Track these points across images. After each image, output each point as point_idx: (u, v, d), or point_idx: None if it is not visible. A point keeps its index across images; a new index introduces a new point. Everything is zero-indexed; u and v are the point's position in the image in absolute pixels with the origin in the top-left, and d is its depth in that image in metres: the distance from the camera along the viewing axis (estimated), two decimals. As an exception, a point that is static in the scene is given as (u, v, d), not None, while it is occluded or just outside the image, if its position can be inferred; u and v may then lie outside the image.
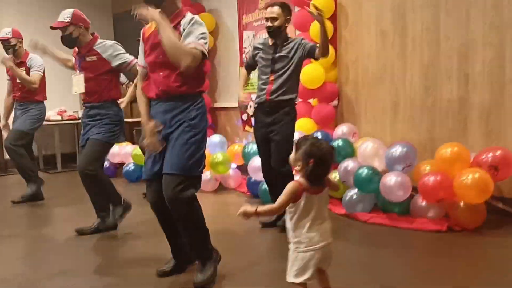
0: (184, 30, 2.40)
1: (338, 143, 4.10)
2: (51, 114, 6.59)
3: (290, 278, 1.86)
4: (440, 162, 3.52)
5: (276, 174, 3.57)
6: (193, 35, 2.37)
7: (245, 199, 4.66)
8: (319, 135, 4.31)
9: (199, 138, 2.46)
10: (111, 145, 3.53)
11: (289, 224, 1.89)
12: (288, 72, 3.47)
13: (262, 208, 1.80)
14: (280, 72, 3.47)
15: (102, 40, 3.47)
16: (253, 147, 4.77)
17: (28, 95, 4.66)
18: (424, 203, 3.53)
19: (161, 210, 2.55)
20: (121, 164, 5.99)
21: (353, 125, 4.43)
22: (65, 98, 6.59)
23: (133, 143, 6.12)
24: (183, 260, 2.69)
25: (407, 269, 2.73)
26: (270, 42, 3.55)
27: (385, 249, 3.08)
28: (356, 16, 4.53)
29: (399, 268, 2.75)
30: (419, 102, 4.11)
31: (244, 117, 5.99)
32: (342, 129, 4.34)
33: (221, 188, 5.09)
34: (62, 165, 6.85)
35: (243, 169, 5.17)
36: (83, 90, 3.41)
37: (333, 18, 4.62)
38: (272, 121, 3.49)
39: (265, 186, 4.08)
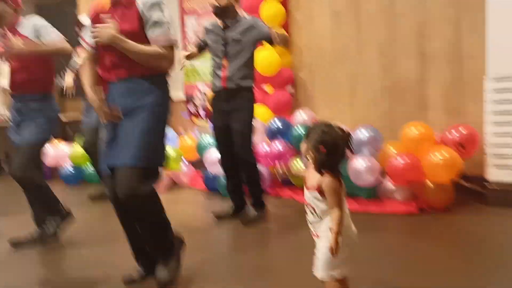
0: (143, 9, 2.15)
1: (298, 130, 3.92)
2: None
3: (326, 272, 1.65)
4: (406, 142, 3.45)
5: (241, 167, 3.37)
6: (161, 25, 2.17)
7: (203, 196, 4.36)
8: (277, 122, 4.12)
9: (160, 126, 2.22)
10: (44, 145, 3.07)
11: (313, 218, 1.68)
12: (242, 57, 3.25)
13: (334, 226, 1.58)
14: (233, 56, 3.25)
15: (24, 18, 2.99)
16: (209, 139, 4.47)
17: None
18: (391, 186, 3.46)
19: (122, 208, 2.24)
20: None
21: (311, 111, 4.27)
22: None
23: (66, 141, 5.58)
24: (150, 263, 2.35)
25: (384, 254, 2.62)
26: (220, 23, 3.30)
27: (359, 234, 2.95)
28: (308, -3, 4.37)
29: (376, 253, 2.62)
30: (378, 82, 4.03)
31: (191, 108, 5.66)
32: (301, 116, 4.17)
33: (174, 185, 4.74)
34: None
35: (195, 164, 4.86)
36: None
37: (284, 1, 4.42)
38: (231, 108, 3.28)
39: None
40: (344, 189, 1.66)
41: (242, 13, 3.36)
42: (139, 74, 2.19)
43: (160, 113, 2.23)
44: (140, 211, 2.19)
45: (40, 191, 3.02)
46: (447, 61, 3.65)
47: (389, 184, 3.47)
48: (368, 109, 4.11)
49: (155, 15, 2.17)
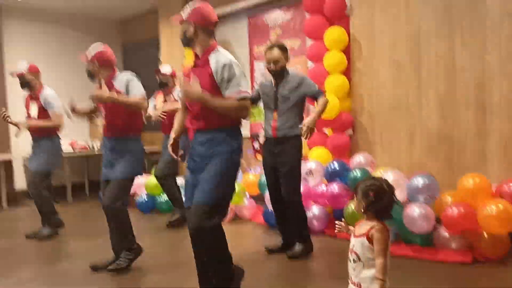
0: (216, 70, 2.50)
1: (356, 173, 4.11)
2: (63, 145, 6.57)
3: None
4: (462, 193, 3.52)
5: (287, 205, 3.70)
6: (233, 83, 2.48)
7: (261, 230, 4.64)
8: (336, 164, 4.33)
9: (229, 172, 2.55)
10: (133, 179, 3.53)
11: (355, 265, 1.89)
12: (290, 111, 3.67)
13: (380, 274, 1.81)
14: (283, 111, 3.67)
15: (119, 74, 3.48)
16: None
17: (42, 131, 4.53)
18: (447, 234, 3.52)
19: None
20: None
21: (369, 155, 4.44)
22: (76, 129, 6.61)
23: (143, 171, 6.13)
24: None
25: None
26: (273, 81, 3.74)
27: (411, 281, 3.05)
28: (370, 47, 4.61)
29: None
30: (436, 131, 4.14)
31: (256, 145, 6.01)
32: (359, 159, 4.35)
33: (236, 218, 5.07)
34: (72, 196, 6.84)
35: (257, 198, 5.15)
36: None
37: (347, 50, 4.70)
38: (278, 152, 3.67)
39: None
40: (390, 239, 1.87)
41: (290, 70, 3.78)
42: (216, 126, 2.54)
43: (231, 160, 2.55)
44: (204, 242, 2.51)
45: (121, 225, 3.43)
46: (507, 115, 3.70)
47: (444, 232, 3.54)
48: (426, 157, 4.21)
49: (226, 75, 2.50)
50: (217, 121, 2.53)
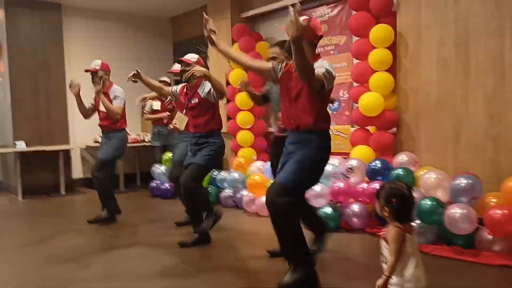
0: None
1: (398, 172, 4.09)
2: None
3: None
4: (507, 194, 3.44)
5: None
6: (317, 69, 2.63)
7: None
8: (378, 163, 4.33)
9: (310, 167, 2.77)
10: (210, 168, 4.09)
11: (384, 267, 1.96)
12: None
13: (387, 270, 1.89)
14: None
15: (205, 82, 3.95)
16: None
17: (111, 124, 4.88)
18: (490, 236, 3.45)
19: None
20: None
21: (413, 154, 4.40)
22: (128, 122, 6.94)
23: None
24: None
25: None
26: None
27: (452, 282, 3.03)
28: (416, 45, 4.54)
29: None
30: (483, 131, 4.04)
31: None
32: (402, 158, 4.33)
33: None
34: (124, 185, 7.23)
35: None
36: (182, 128, 4.19)
37: (393, 47, 4.65)
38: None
39: (325, 210, 4.26)
40: (410, 242, 1.90)
41: None
42: (306, 127, 2.77)
43: (312, 160, 2.75)
44: (275, 216, 2.69)
45: (199, 197, 3.95)
46: (559, 114, 3.57)
47: (486, 234, 3.47)
48: (471, 157, 4.12)
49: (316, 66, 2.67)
50: (307, 124, 2.76)
